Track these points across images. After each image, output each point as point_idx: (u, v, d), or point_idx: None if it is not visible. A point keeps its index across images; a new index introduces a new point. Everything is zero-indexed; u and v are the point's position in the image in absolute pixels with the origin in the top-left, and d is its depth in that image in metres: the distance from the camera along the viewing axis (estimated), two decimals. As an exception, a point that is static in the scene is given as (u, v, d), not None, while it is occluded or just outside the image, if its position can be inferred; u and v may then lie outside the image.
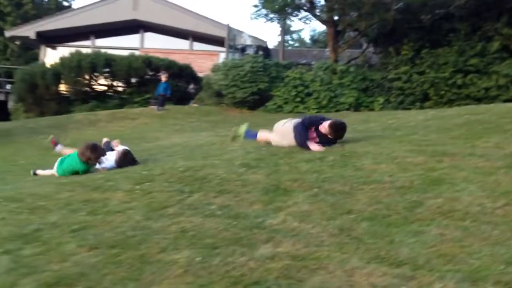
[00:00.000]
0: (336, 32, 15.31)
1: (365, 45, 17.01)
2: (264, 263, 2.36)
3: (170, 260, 2.51)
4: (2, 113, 16.67)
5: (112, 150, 6.20)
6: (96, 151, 5.53)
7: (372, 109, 12.68)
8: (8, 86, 18.54)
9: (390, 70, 13.49)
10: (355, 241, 2.62)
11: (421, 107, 12.10)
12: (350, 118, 9.69)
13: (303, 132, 5.15)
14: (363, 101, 12.89)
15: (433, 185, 3.60)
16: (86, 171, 5.53)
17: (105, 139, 6.98)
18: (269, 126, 9.87)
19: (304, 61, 18.08)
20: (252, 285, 2.14)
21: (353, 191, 3.52)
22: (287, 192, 3.62)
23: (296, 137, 5.19)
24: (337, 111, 12.65)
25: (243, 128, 6.35)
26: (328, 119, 5.25)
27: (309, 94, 13.15)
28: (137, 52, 17.09)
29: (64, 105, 15.52)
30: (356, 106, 12.75)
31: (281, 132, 5.55)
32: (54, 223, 3.37)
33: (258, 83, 13.11)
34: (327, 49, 17.70)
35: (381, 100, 12.86)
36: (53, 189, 4.37)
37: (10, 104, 17.09)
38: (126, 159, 5.68)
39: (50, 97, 15.56)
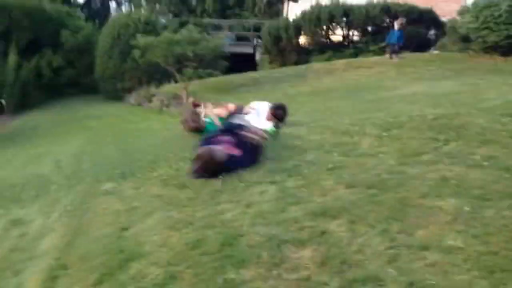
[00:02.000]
0: None
1: None
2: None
3: (434, 206, 2.39)
4: (251, 64, 18.68)
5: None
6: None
7: None
8: (256, 40, 20.54)
9: None
10: None
11: None
12: None
13: None
14: None
15: None
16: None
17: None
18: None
19: None
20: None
21: None
22: None
23: None
24: None
25: None
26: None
27: None
28: (375, 0, 16.60)
29: (303, 55, 16.38)
30: None
31: None
32: (311, 161, 3.61)
33: (517, 24, 11.18)
34: None
35: None
36: (305, 131, 4.67)
37: (257, 56, 18.98)
38: None
39: (291, 49, 16.61)
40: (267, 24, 17.69)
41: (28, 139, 10.25)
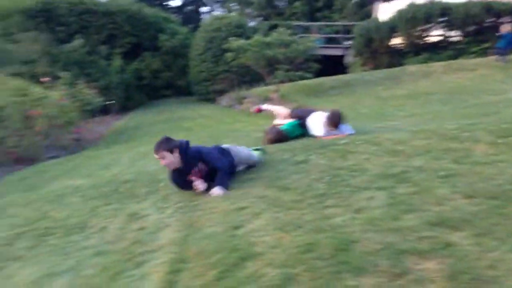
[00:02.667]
0: None
1: None
2: None
3: None
4: (341, 67, 18.38)
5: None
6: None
7: None
8: (346, 42, 20.18)
9: None
10: None
11: None
12: None
13: None
14: None
15: None
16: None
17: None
18: None
19: None
20: None
21: None
22: None
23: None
24: None
25: None
26: None
27: None
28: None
29: (396, 57, 15.81)
30: None
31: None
32: (419, 167, 3.45)
33: None
34: None
35: None
36: (407, 136, 4.48)
37: (348, 59, 18.64)
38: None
39: (383, 51, 16.12)
40: (357, 26, 17.30)
41: (131, 138, 10.98)
